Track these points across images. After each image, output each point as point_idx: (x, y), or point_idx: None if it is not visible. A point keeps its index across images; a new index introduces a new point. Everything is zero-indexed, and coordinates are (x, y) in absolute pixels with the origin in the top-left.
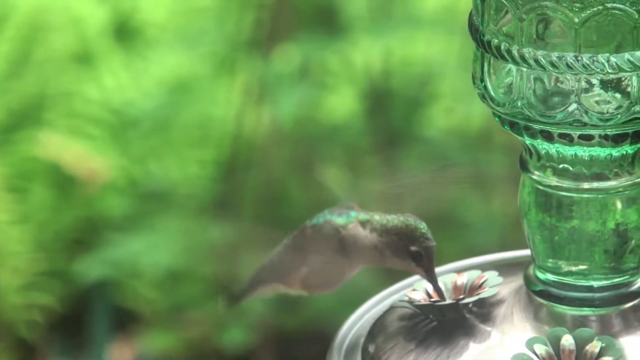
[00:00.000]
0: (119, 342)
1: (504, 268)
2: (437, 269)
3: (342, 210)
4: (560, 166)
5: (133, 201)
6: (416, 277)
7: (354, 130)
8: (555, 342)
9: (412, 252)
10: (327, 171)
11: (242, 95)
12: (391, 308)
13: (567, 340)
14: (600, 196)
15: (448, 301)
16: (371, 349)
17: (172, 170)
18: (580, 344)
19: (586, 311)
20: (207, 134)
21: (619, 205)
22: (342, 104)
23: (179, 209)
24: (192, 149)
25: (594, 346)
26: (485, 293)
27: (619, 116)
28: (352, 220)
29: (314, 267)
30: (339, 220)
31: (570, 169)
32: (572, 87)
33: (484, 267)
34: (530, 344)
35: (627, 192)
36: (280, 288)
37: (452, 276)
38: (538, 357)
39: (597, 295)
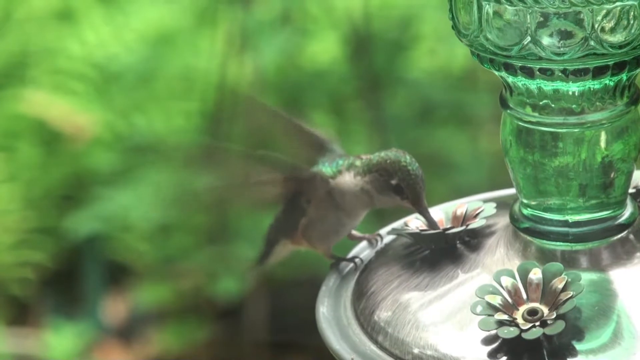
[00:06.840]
0: (112, 296)
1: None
2: (446, 204)
3: (332, 158)
4: (529, 100)
5: (120, 155)
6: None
7: (338, 75)
8: (524, 275)
9: (393, 186)
10: (313, 117)
11: (224, 45)
12: (396, 238)
13: (535, 274)
14: (577, 130)
15: (433, 231)
16: (366, 272)
17: (157, 122)
18: (548, 277)
19: (562, 246)
20: (190, 86)
21: (603, 138)
22: (324, 49)
23: (166, 161)
24: (177, 101)
25: (560, 280)
26: (474, 224)
27: (572, 51)
28: (339, 168)
29: (312, 220)
30: (327, 170)
31: (538, 102)
32: (526, 21)
33: (489, 201)
34: (497, 276)
35: (610, 124)
36: (290, 245)
37: (454, 205)
38: (503, 289)
39: (571, 230)
